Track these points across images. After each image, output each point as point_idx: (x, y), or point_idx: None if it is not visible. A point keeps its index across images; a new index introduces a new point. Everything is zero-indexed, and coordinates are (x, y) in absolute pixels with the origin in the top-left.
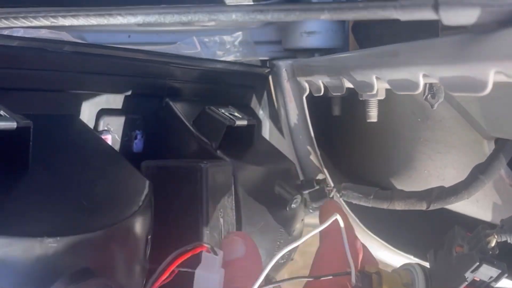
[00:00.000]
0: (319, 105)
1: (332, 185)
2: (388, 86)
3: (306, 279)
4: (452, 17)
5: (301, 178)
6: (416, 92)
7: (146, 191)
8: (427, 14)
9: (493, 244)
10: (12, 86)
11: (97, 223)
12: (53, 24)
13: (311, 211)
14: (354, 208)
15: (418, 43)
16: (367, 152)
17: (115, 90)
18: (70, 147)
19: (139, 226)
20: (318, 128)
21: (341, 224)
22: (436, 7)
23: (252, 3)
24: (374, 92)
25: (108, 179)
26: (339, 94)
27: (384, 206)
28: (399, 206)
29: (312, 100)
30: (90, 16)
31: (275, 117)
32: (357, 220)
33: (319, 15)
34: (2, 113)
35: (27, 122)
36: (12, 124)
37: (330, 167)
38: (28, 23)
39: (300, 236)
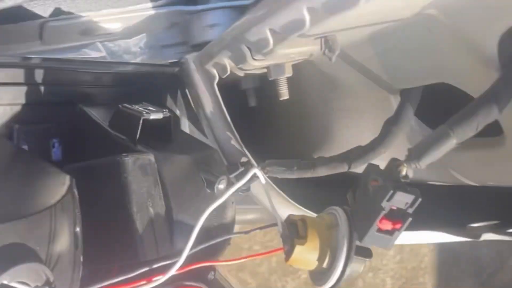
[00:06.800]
0: (234, 99)
1: (256, 164)
2: (290, 60)
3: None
4: None
5: (225, 163)
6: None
7: (67, 183)
8: None
9: (404, 172)
10: None
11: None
12: None
13: (240, 193)
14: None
15: None
16: (286, 131)
17: (26, 100)
18: None
19: (63, 214)
20: (236, 117)
21: (262, 180)
22: None
23: None
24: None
25: (30, 176)
26: (248, 70)
27: (308, 174)
28: (322, 172)
29: (228, 95)
30: None
31: (194, 118)
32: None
33: None
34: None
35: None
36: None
37: (252, 151)
38: None
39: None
